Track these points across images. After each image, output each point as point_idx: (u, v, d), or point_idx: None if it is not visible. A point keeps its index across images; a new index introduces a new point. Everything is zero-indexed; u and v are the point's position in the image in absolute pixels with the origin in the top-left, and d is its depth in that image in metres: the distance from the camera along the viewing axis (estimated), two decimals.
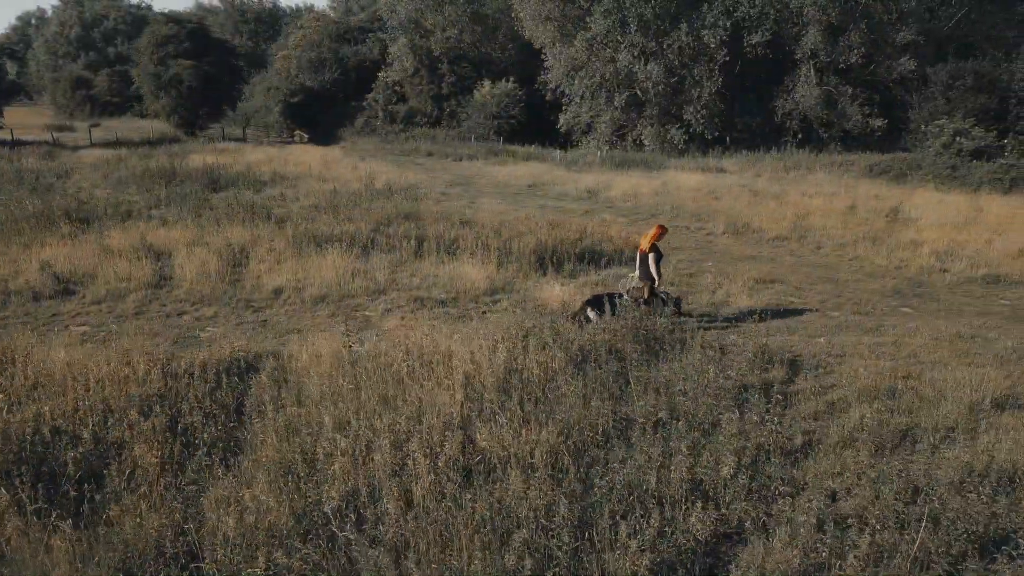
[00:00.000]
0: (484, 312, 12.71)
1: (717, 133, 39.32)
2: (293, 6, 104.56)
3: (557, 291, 13.39)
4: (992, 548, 5.90)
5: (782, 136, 38.81)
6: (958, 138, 30.12)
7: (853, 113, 37.41)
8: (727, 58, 37.99)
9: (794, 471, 7.17)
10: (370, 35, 49.26)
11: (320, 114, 46.69)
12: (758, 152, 36.64)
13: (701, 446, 7.37)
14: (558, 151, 38.59)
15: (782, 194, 25.00)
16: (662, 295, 12.06)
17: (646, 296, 11.96)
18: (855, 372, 9.61)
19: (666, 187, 26.86)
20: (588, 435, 7.28)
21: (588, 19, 39.61)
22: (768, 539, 5.89)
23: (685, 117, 39.25)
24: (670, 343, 10.23)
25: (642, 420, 7.60)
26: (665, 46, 38.27)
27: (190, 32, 42.78)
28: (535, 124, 43.28)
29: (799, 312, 12.84)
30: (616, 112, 40.52)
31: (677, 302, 12.21)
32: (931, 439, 7.82)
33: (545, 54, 42.17)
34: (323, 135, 45.55)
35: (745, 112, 40.71)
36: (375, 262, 14.95)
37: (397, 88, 46.55)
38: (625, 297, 11.87)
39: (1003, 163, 28.82)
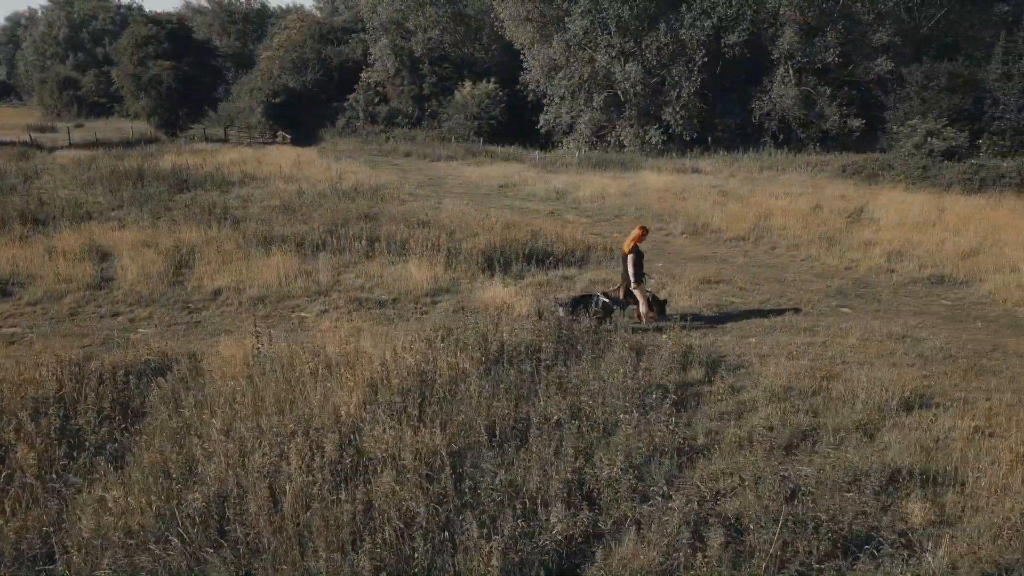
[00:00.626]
0: (423, 313, 12.73)
1: (696, 134, 39.34)
2: (282, 6, 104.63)
3: (500, 292, 13.41)
4: (855, 548, 5.93)
5: (761, 137, 38.85)
6: (930, 138, 30.17)
7: (831, 113, 37.45)
8: (706, 59, 38.03)
9: (688, 472, 7.20)
10: (353, 36, 49.26)
11: (302, 115, 46.67)
12: (736, 153, 36.68)
13: (597, 447, 7.40)
14: (537, 152, 38.61)
15: (749, 195, 25.02)
16: (648, 296, 12.04)
17: (621, 297, 12.01)
18: (773, 372, 9.64)
19: (635, 188, 26.89)
20: (482, 437, 7.29)
21: (566, 20, 39.64)
22: (638, 539, 5.91)
23: (664, 118, 39.28)
24: (593, 343, 10.25)
25: (538, 420, 7.61)
26: (644, 46, 38.30)
27: (170, 33, 42.77)
28: (517, 125, 43.30)
29: (738, 312, 12.87)
30: (595, 112, 40.54)
31: (662, 304, 12.21)
32: (832, 439, 7.85)
33: (524, 55, 42.22)
34: (305, 136, 45.53)
35: (725, 113, 40.75)
36: (322, 263, 14.96)
37: (379, 89, 46.57)
38: (601, 298, 11.94)
39: (973, 163, 28.87)
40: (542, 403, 8.14)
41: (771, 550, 5.61)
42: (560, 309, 11.61)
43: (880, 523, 6.15)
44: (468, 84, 43.62)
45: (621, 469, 6.91)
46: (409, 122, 45.64)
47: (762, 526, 6.05)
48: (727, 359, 10.33)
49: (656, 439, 7.48)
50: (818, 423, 8.28)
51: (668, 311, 12.08)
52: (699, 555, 5.51)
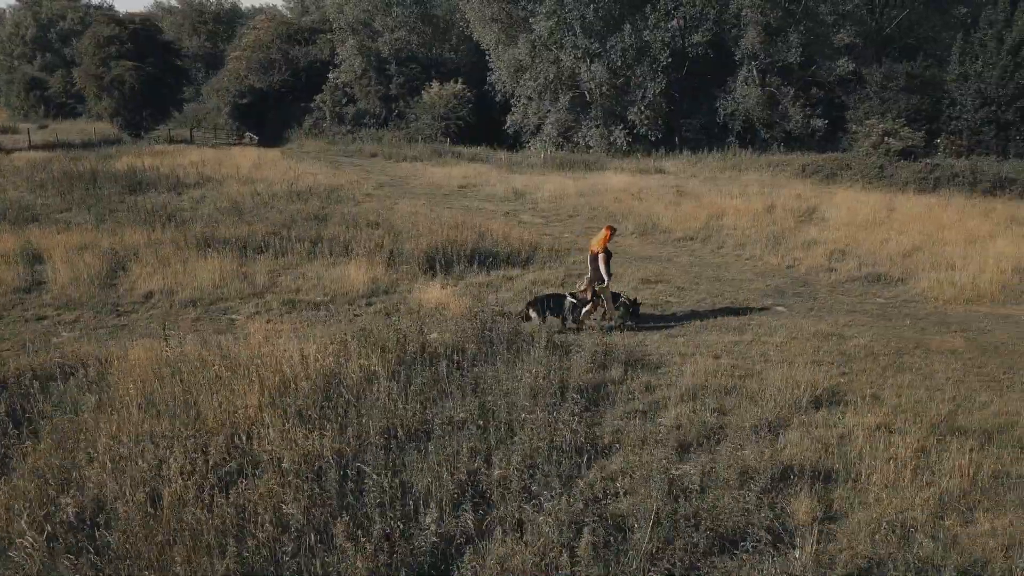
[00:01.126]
0: (355, 315, 12.67)
1: (661, 134, 39.50)
2: (255, 6, 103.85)
3: (436, 293, 13.37)
4: (731, 546, 5.96)
5: (727, 137, 39.09)
6: (886, 138, 30.49)
7: (794, 114, 37.74)
8: (670, 59, 38.19)
9: (586, 471, 7.21)
10: (320, 36, 48.97)
11: (269, 115, 46.28)
12: (701, 153, 36.87)
13: (498, 447, 7.39)
14: (503, 153, 38.59)
15: (706, 195, 25.15)
16: (624, 300, 12.21)
17: (589, 297, 12.10)
18: (692, 371, 9.68)
19: (594, 188, 26.94)
20: (378, 439, 7.25)
21: (532, 21, 39.67)
22: (516, 540, 5.90)
23: (629, 118, 39.40)
24: (509, 343, 10.23)
25: (440, 422, 7.59)
26: (608, 47, 38.41)
27: (132, 33, 42.26)
28: (486, 125, 43.23)
29: (672, 311, 12.92)
30: (562, 113, 40.60)
31: (634, 305, 12.29)
32: (735, 438, 7.89)
33: (490, 55, 42.21)
34: (273, 137, 45.19)
35: (691, 113, 40.94)
36: (261, 265, 14.85)
37: (346, 89, 46.29)
38: (569, 299, 11.99)
39: (928, 163, 29.22)
40: (450, 404, 8.12)
41: (644, 548, 5.62)
42: (530, 310, 11.73)
43: (762, 520, 6.18)
44: (436, 85, 43.50)
45: (517, 469, 6.91)
46: (376, 123, 45.42)
47: (644, 525, 6.07)
48: (650, 358, 10.37)
49: (557, 439, 7.48)
50: (725, 421, 8.33)
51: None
52: (573, 555, 5.50)
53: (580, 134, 41.06)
